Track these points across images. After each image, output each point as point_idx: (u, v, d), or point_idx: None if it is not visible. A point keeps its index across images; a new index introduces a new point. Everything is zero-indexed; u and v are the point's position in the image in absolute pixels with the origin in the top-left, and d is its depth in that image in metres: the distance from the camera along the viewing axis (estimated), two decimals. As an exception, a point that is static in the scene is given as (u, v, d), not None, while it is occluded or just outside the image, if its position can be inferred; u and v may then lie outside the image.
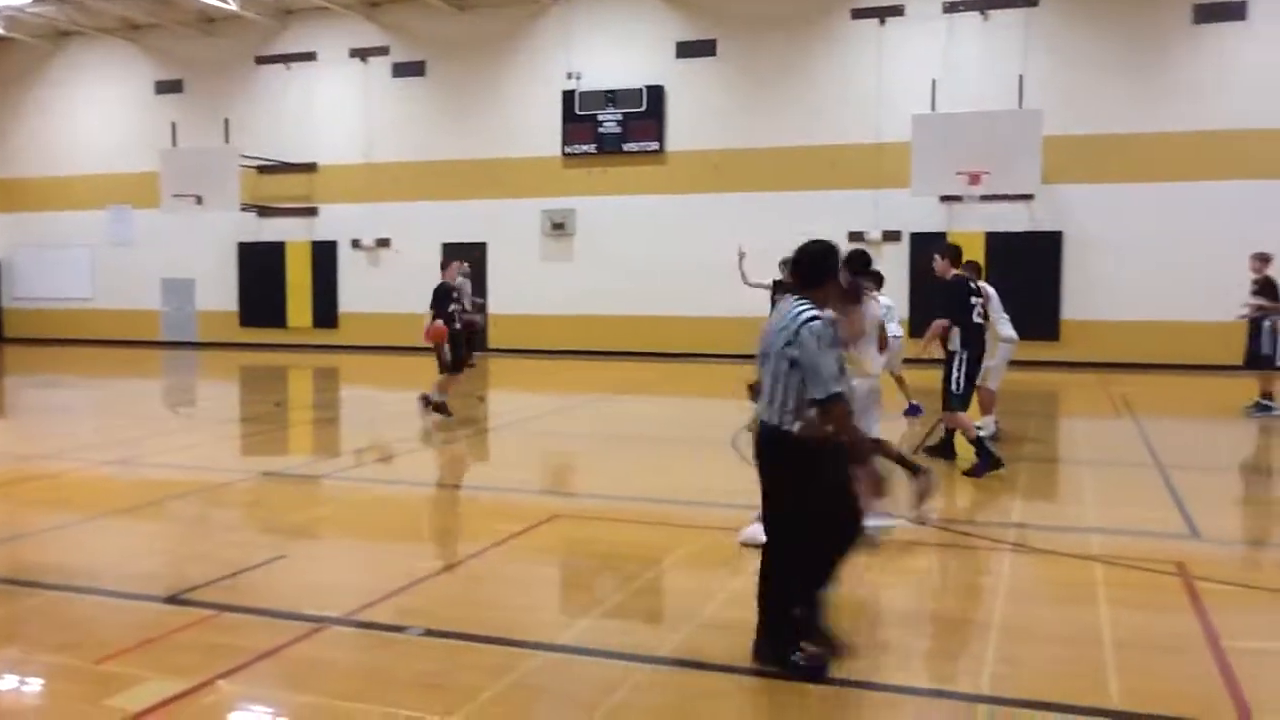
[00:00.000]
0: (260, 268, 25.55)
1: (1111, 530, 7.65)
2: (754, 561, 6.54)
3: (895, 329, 11.72)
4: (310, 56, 24.99)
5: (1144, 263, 18.66)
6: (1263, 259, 13.37)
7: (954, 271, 9.90)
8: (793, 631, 4.79)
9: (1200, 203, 18.74)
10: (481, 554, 6.81)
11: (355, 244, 24.82)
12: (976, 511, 8.63)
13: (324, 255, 25.08)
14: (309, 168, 25.07)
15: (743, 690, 4.68)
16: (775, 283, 12.41)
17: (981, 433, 9.67)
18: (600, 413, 14.26)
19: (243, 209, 24.29)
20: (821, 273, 4.86)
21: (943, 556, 7.18)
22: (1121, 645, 5.24)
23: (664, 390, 17.33)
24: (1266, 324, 12.98)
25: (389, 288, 24.27)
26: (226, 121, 24.37)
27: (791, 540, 4.79)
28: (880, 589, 6.27)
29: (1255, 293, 13.32)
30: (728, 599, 5.86)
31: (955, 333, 9.59)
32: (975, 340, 9.66)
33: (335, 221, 24.97)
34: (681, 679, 4.78)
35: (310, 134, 24.99)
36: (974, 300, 9.74)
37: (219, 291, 26.07)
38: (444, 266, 13.83)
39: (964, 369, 9.55)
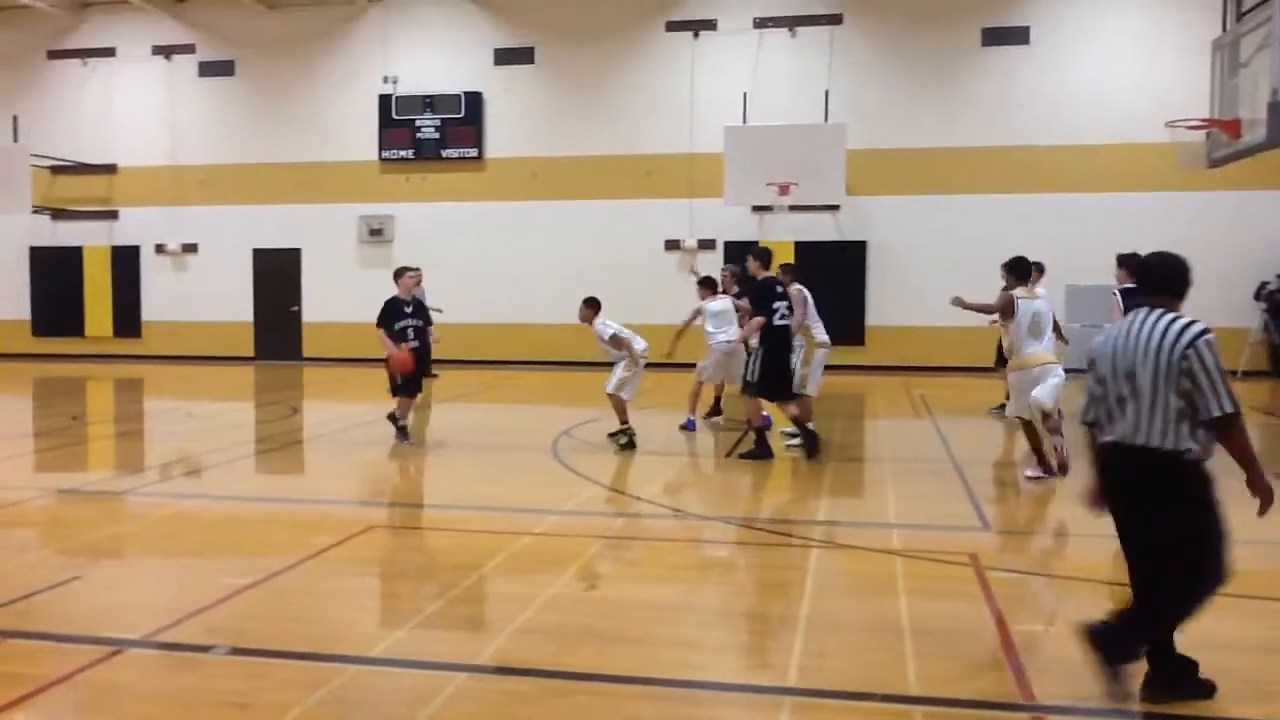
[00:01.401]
0: (55, 274, 24.08)
1: (911, 525, 8.06)
2: (582, 563, 6.65)
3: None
4: (109, 52, 23.76)
5: (938, 271, 19.65)
6: (1038, 268, 14.29)
7: (764, 273, 10.50)
8: (1181, 663, 4.63)
9: (988, 214, 19.92)
10: (293, 568, 6.65)
11: (159, 249, 23.71)
12: (786, 510, 8.95)
13: (125, 261, 23.86)
14: (108, 169, 23.82)
15: (556, 694, 4.73)
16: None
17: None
18: (419, 421, 14.07)
19: (35, 211, 22.87)
20: (1185, 284, 4.59)
21: (752, 554, 7.41)
22: (920, 633, 5.54)
23: (484, 398, 17.24)
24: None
25: (196, 294, 23.30)
26: (15, 119, 22.91)
27: (1176, 574, 4.45)
28: (690, 587, 6.43)
29: None
30: (545, 604, 5.91)
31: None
32: (774, 337, 10.41)
33: (137, 225, 23.79)
34: (497, 686, 4.79)
35: (110, 133, 23.75)
36: (777, 303, 10.32)
37: (8, 299, 24.44)
38: (397, 278, 11.99)
39: (759, 361, 10.37)
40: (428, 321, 12.16)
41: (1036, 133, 19.89)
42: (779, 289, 10.66)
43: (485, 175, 22.27)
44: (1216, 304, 10.47)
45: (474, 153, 22.16)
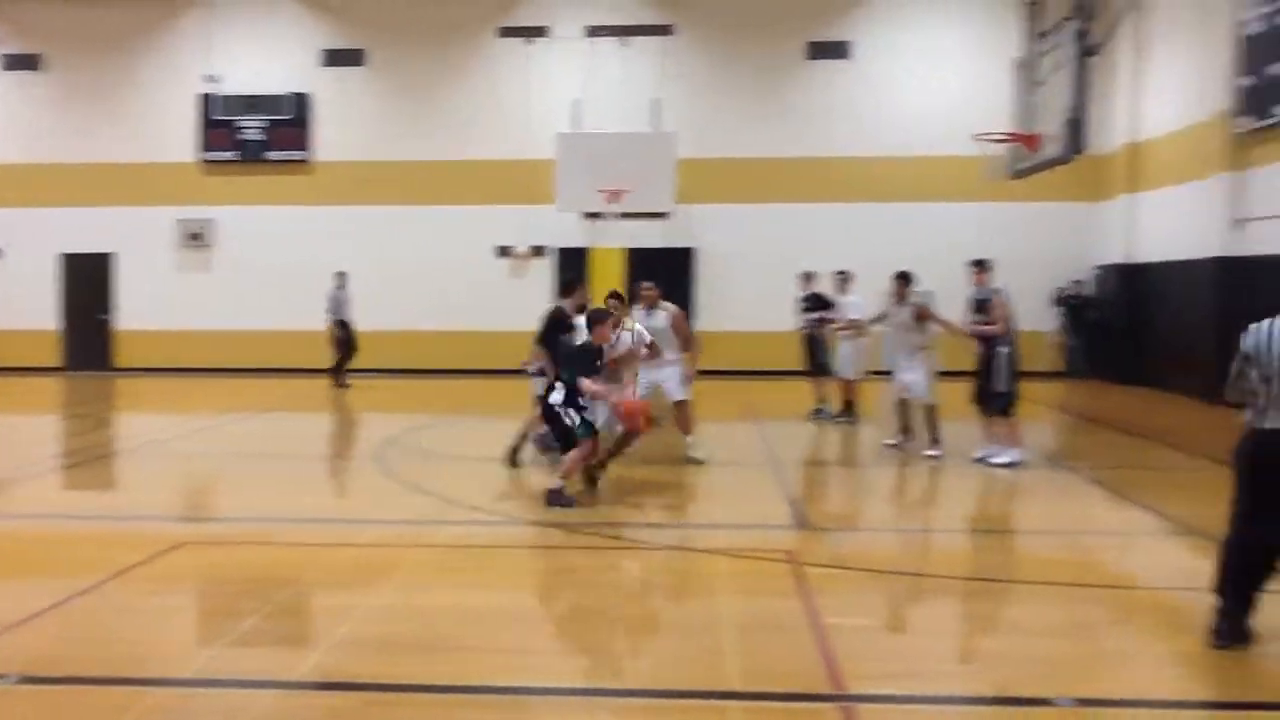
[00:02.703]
0: None
1: (733, 525, 8.25)
2: (406, 573, 6.53)
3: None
4: (-99, 43, 22.13)
5: (762, 277, 20.13)
6: (806, 277, 14.77)
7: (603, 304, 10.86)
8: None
9: (811, 222, 20.49)
10: (96, 588, 6.32)
11: (-46, 252, 22.18)
12: (613, 514, 9.02)
13: (-82, 266, 22.19)
14: (-106, 167, 22.16)
15: (378, 707, 4.65)
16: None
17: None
18: (237, 432, 13.58)
19: None
20: None
21: (579, 558, 7.44)
22: (739, 630, 5.68)
23: (306, 407, 16.77)
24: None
25: (-3, 301, 21.90)
26: None
27: None
28: (516, 593, 6.42)
29: (805, 309, 14.47)
30: (367, 616, 5.79)
31: None
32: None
33: (-72, 227, 22.19)
34: (315, 701, 4.68)
35: (-105, 129, 22.10)
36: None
37: None
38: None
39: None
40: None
41: (857, 144, 20.63)
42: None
43: (313, 179, 21.68)
44: (1019, 309, 11.01)
45: (301, 155, 21.55)
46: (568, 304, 10.84)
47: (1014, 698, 4.81)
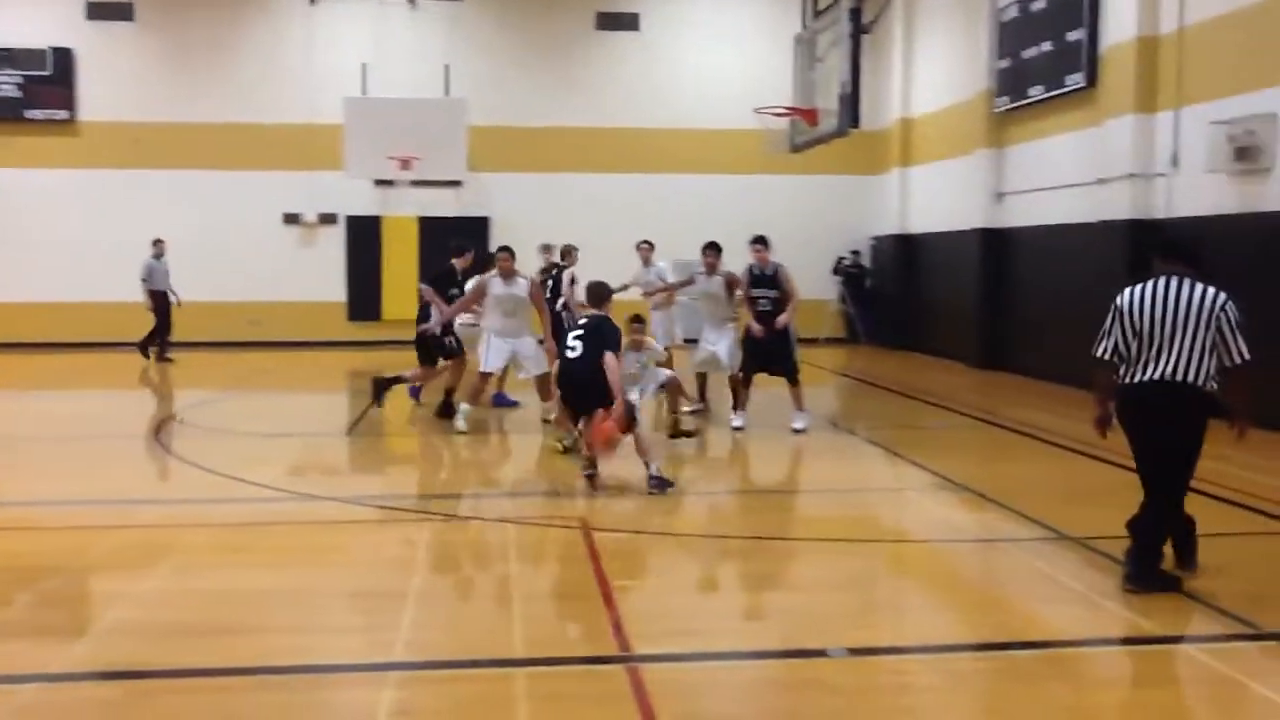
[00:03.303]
0: None
1: (526, 494, 8.29)
2: (183, 555, 6.25)
3: None
4: None
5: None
6: (545, 249, 14.86)
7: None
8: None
9: (601, 192, 20.64)
10: None
11: None
12: (402, 486, 8.93)
13: None
14: None
15: (147, 696, 4.45)
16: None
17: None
18: (10, 410, 12.65)
19: None
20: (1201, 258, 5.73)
21: (365, 532, 7.31)
22: (527, 598, 5.72)
23: (71, 385, 15.75)
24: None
25: None
26: None
27: (1178, 487, 5.65)
28: (300, 570, 6.25)
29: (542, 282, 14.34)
30: (138, 601, 5.52)
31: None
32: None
33: None
34: (77, 693, 4.45)
35: None
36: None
37: None
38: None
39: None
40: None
41: (645, 116, 20.89)
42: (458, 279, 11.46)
43: (80, 140, 20.27)
44: (800, 278, 11.39)
45: (65, 114, 20.12)
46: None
47: (791, 650, 5.04)
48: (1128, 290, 5.73)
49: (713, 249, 11.15)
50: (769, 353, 10.74)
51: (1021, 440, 10.73)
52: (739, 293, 10.99)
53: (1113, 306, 5.75)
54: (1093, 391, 6.03)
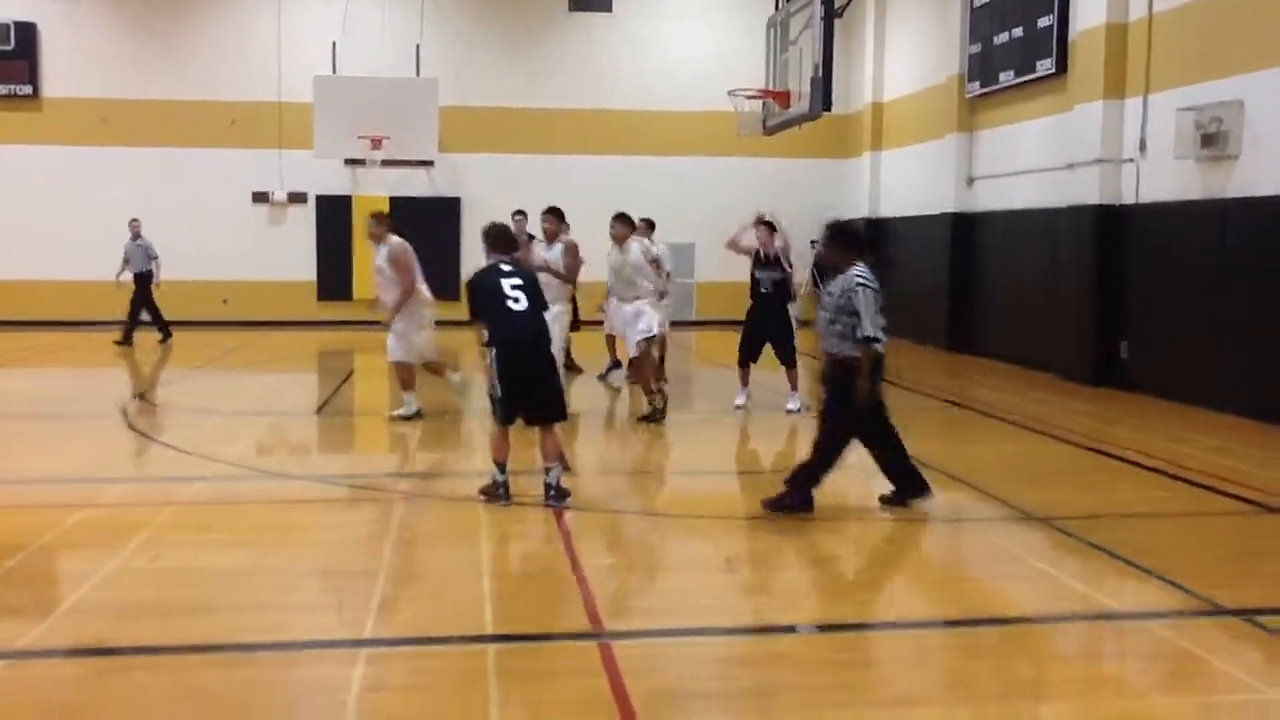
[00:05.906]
0: None
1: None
2: (149, 533, 6.20)
3: None
4: None
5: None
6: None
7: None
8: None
9: (575, 174, 20.47)
10: None
11: None
12: (373, 464, 8.91)
13: None
14: None
15: (111, 673, 4.43)
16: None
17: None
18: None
19: None
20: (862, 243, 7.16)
21: (335, 511, 7.31)
22: (498, 576, 5.75)
23: (36, 362, 15.57)
24: None
25: None
26: None
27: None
28: (268, 549, 6.23)
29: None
30: (104, 580, 5.47)
31: None
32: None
33: None
34: (41, 672, 4.42)
35: None
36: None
37: None
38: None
39: None
40: None
41: (617, 97, 20.83)
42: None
43: (43, 116, 20.00)
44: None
45: (28, 90, 19.83)
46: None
47: (761, 627, 5.08)
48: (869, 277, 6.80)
49: (553, 214, 11.14)
50: (770, 334, 10.95)
51: (987, 421, 10.84)
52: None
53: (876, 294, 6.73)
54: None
